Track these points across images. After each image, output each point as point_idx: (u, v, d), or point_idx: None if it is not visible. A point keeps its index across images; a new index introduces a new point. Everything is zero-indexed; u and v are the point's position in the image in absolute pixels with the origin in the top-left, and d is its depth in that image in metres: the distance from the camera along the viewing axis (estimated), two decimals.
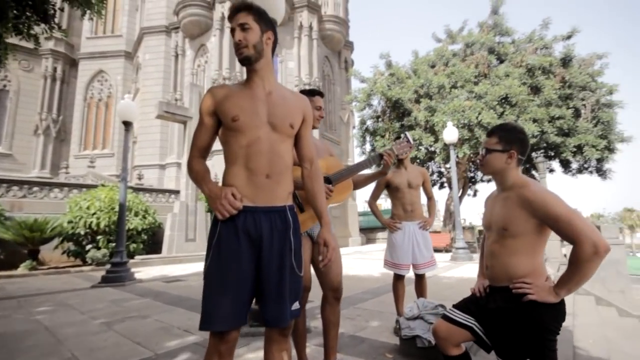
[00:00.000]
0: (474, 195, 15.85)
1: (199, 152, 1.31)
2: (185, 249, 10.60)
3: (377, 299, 4.30)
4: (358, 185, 2.14)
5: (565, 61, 11.30)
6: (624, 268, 8.71)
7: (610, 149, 10.83)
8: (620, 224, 50.05)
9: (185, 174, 10.59)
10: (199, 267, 8.14)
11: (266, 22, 1.29)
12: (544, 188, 1.37)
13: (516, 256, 1.40)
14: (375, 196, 3.16)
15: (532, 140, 10.24)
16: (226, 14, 18.71)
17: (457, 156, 10.96)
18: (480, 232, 19.92)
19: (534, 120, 10.04)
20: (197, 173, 1.28)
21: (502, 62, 12.03)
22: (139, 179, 15.57)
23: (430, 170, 15.14)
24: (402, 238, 2.97)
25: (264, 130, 1.24)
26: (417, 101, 11.88)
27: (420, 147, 11.69)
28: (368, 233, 22.91)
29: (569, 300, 7.00)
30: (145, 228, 10.43)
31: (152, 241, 10.87)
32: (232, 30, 1.27)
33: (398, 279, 2.99)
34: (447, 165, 12.87)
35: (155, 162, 19.42)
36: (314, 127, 2.04)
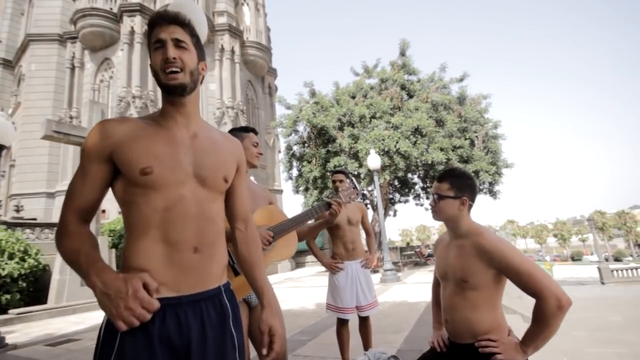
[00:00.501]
0: (394, 215, 17.02)
1: (80, 214, 0.90)
2: (80, 295, 8.75)
3: (317, 340, 4.05)
4: (303, 236, 1.96)
5: (461, 99, 13.26)
6: None
7: (498, 174, 12.84)
8: (503, 232, 59.64)
9: None
10: (97, 317, 6.75)
11: (201, 49, 1.02)
12: (499, 237, 1.36)
13: (479, 310, 1.35)
14: (313, 235, 2.99)
15: (441, 167, 11.53)
16: (136, 28, 17.19)
17: (379, 181, 11.69)
18: (401, 250, 21.40)
19: (441, 149, 11.37)
20: (76, 250, 0.86)
21: (411, 97, 13.54)
22: (17, 211, 12.69)
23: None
24: (345, 279, 2.83)
25: (189, 186, 0.92)
26: (341, 129, 12.46)
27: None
28: (297, 257, 22.59)
29: None
30: (25, 273, 8.37)
31: (33, 289, 8.74)
32: (159, 43, 0.93)
33: (342, 323, 2.81)
34: (369, 188, 13.59)
35: (41, 189, 16.18)
36: (253, 166, 1.83)
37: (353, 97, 13.42)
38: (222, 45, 18.61)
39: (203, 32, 3.08)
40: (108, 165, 0.90)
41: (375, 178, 9.35)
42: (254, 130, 1.86)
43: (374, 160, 9.45)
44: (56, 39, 17.84)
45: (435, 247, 1.67)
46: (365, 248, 3.14)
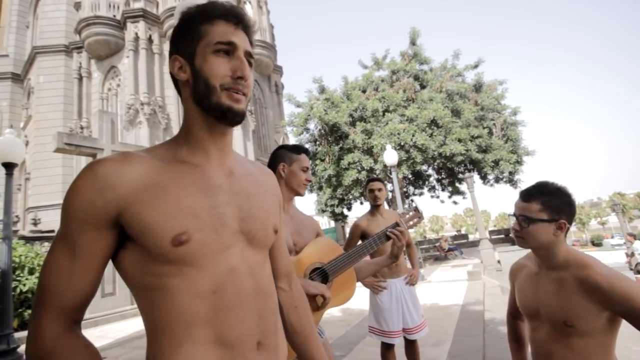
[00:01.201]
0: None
1: (67, 316, 0.59)
2: (102, 307, 8.73)
3: (352, 356, 3.79)
4: (361, 274, 1.62)
5: (477, 87, 12.72)
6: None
7: (519, 162, 12.33)
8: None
9: None
10: (121, 329, 6.65)
11: None
12: (614, 271, 1.07)
13: None
14: (372, 273, 2.70)
15: (459, 158, 11.11)
16: (140, 34, 17.09)
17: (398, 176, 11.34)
18: (419, 243, 20.88)
19: (459, 140, 10.93)
20: None
21: (423, 87, 13.06)
22: (35, 224, 12.79)
23: None
24: (390, 299, 2.55)
25: (237, 250, 0.66)
26: (353, 124, 12.11)
27: (361, 170, 11.82)
28: None
29: (479, 286, 7.46)
30: None
31: None
32: (227, 46, 0.66)
33: (388, 348, 2.54)
34: (389, 186, 13.25)
35: (57, 201, 16.28)
36: (298, 194, 1.53)
37: (364, 91, 13.02)
38: None
39: None
40: (110, 234, 0.60)
41: (394, 174, 9.01)
42: (306, 151, 1.57)
43: (390, 156, 9.10)
44: (62, 50, 17.87)
45: (513, 274, 1.39)
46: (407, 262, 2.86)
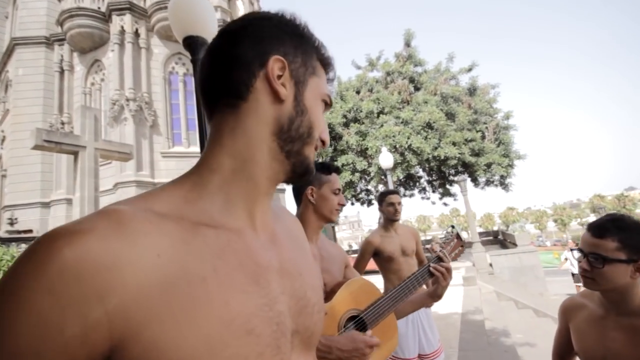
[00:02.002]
0: None
1: None
2: None
3: None
4: (398, 315, 1.38)
5: (471, 90, 12.74)
6: (540, 272, 9.78)
7: (510, 166, 12.42)
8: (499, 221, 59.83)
9: (81, 214, 8.43)
10: None
11: None
12: None
13: None
14: (360, 269, 2.50)
15: (453, 161, 11.09)
16: (126, 27, 16.53)
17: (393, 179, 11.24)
18: None
19: (454, 144, 10.90)
20: None
21: (418, 89, 13.00)
22: (11, 223, 12.17)
23: (359, 188, 15.35)
24: (405, 323, 2.36)
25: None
26: (347, 125, 11.95)
27: (355, 172, 11.67)
28: None
29: (476, 292, 7.40)
30: None
31: None
32: (328, 107, 0.56)
33: None
34: (379, 187, 13.14)
35: (36, 199, 15.58)
36: (330, 221, 1.33)
37: (358, 92, 12.85)
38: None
39: (212, 30, 2.56)
40: None
41: (389, 177, 8.87)
42: (337, 170, 1.36)
43: (386, 159, 8.95)
44: (43, 42, 17.07)
45: (567, 312, 1.23)
46: None
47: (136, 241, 0.34)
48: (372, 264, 2.54)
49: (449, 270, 1.27)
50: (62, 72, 16.76)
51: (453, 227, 1.50)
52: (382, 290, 2.29)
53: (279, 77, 0.47)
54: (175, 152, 14.69)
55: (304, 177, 0.51)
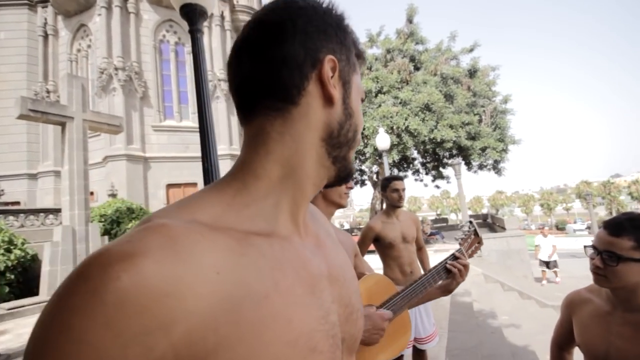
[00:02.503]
0: None
1: None
2: None
3: None
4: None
5: (471, 72, 12.52)
6: (526, 256, 10.06)
7: (505, 150, 12.46)
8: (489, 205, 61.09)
9: (70, 188, 8.24)
10: None
11: None
12: None
13: None
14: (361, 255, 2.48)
15: (449, 144, 11.05)
16: None
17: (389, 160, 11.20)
18: None
19: (451, 126, 10.82)
20: None
21: (417, 69, 12.71)
22: None
23: None
24: None
25: None
26: None
27: None
28: None
29: (481, 286, 7.69)
30: (12, 265, 7.83)
31: (23, 280, 8.22)
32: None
33: (397, 359, 2.40)
34: (373, 168, 13.12)
35: (22, 170, 15.20)
36: (343, 206, 1.33)
37: None
38: (212, 9, 17.08)
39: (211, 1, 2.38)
40: None
41: (385, 159, 8.82)
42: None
43: (383, 140, 8.85)
44: (25, 3, 16.05)
45: (570, 306, 1.23)
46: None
47: (194, 260, 0.31)
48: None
49: (466, 267, 1.24)
50: (46, 36, 15.88)
51: (471, 222, 1.45)
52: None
53: (331, 78, 0.42)
54: (167, 126, 14.28)
55: (345, 181, 0.48)
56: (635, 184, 53.61)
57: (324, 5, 0.44)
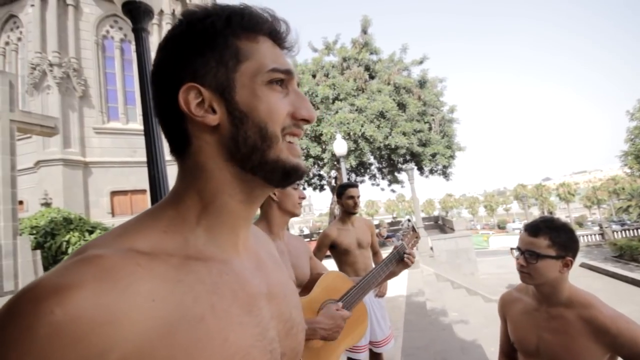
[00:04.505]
0: None
1: None
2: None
3: None
4: None
5: (421, 83, 13.27)
6: (473, 255, 10.81)
7: (452, 157, 13.35)
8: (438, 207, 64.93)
9: None
10: None
11: None
12: (618, 313, 1.08)
13: None
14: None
15: (403, 151, 11.57)
16: None
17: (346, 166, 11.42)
18: None
19: (404, 133, 11.35)
20: None
21: (372, 78, 13.19)
22: None
23: (311, 174, 15.41)
24: None
25: None
26: None
27: (308, 158, 11.63)
28: None
29: (419, 275, 8.15)
30: None
31: None
32: (288, 75, 0.43)
33: None
34: (331, 174, 13.32)
35: None
36: (297, 215, 1.40)
37: (314, 76, 12.67)
38: (160, 8, 16.29)
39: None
40: None
41: (342, 164, 8.98)
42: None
43: (340, 146, 9.02)
44: None
45: (504, 306, 1.35)
46: None
47: (129, 289, 0.32)
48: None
49: (412, 255, 1.47)
50: None
51: (409, 220, 1.65)
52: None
53: (200, 104, 0.40)
54: (111, 129, 13.23)
55: (290, 179, 0.43)
56: (562, 186, 60.29)
57: (196, 25, 0.40)
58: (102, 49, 14.01)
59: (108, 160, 12.82)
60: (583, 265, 10.43)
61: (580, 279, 8.06)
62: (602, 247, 15.98)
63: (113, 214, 12.32)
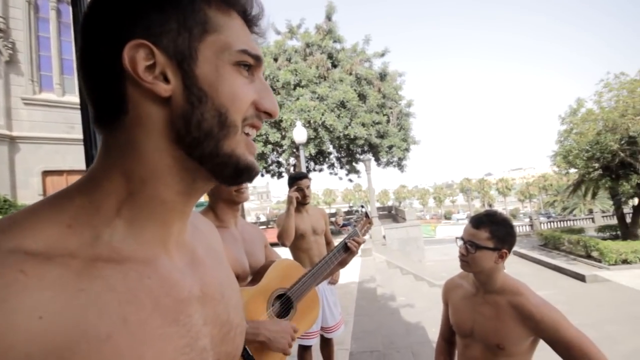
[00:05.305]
0: None
1: None
2: None
3: None
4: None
5: (382, 75, 13.55)
6: (421, 243, 11.48)
7: (407, 150, 13.93)
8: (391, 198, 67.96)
9: None
10: None
11: None
12: (544, 301, 1.20)
13: None
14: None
15: (361, 141, 11.81)
16: None
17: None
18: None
19: (363, 124, 11.56)
20: None
21: (335, 66, 13.19)
22: None
23: (270, 160, 15.20)
24: None
25: None
26: None
27: (267, 144, 11.40)
28: None
29: (371, 263, 8.62)
30: None
31: None
32: (255, 60, 0.37)
33: (305, 350, 2.46)
34: (290, 161, 13.21)
35: None
36: (236, 204, 1.34)
37: (275, 60, 12.33)
38: None
39: None
40: None
41: (301, 152, 8.94)
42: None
43: (300, 133, 8.95)
44: None
45: (447, 292, 1.46)
46: None
47: (6, 306, 0.25)
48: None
49: (358, 242, 1.49)
50: None
51: (363, 206, 1.68)
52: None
53: (150, 68, 0.33)
54: (44, 100, 11.80)
55: (240, 178, 0.38)
56: (501, 181, 65.97)
57: None
58: (34, 8, 12.29)
59: (39, 135, 11.48)
60: (515, 253, 11.58)
61: (512, 266, 8.93)
62: (530, 237, 17.84)
63: (45, 195, 11.13)
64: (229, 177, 0.37)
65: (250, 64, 0.37)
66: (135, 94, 0.33)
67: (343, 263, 1.49)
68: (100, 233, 0.32)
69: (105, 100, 0.34)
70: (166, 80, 0.33)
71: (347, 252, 1.46)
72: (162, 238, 0.37)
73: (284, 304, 1.28)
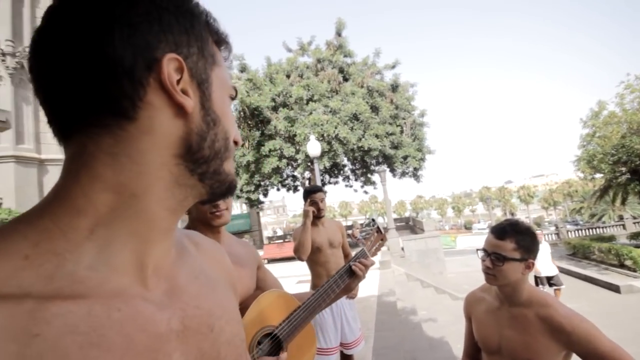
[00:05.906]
0: None
1: None
2: None
3: None
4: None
5: (394, 87, 13.61)
6: (441, 254, 11.18)
7: (422, 159, 13.78)
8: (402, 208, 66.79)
9: None
10: None
11: None
12: (574, 312, 1.12)
13: None
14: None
15: (375, 153, 11.79)
16: None
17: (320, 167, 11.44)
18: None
19: (376, 136, 11.56)
20: None
21: (346, 80, 13.37)
22: None
23: (285, 174, 15.32)
24: (330, 315, 2.40)
25: None
26: (275, 109, 11.68)
27: (282, 158, 11.55)
28: None
29: (390, 275, 8.33)
30: None
31: None
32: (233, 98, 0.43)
33: None
34: (305, 174, 13.30)
35: None
36: (213, 225, 1.20)
37: (288, 76, 12.62)
38: None
39: None
40: None
41: (316, 165, 9.00)
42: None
43: (314, 147, 9.02)
44: None
45: (469, 306, 1.38)
46: None
47: None
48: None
49: (367, 267, 1.24)
50: None
51: (374, 220, 1.47)
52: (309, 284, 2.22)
53: (178, 82, 0.33)
54: None
55: (226, 195, 0.41)
56: (523, 189, 63.95)
57: None
58: None
59: None
60: None
61: None
62: (557, 246, 17.08)
63: None
64: (221, 193, 0.40)
65: (234, 97, 0.42)
66: (155, 102, 0.32)
67: (347, 289, 1.24)
68: (64, 262, 0.29)
69: (109, 102, 0.31)
70: (190, 97, 0.35)
71: (352, 276, 1.22)
72: (139, 262, 0.33)
73: (273, 346, 1.05)
